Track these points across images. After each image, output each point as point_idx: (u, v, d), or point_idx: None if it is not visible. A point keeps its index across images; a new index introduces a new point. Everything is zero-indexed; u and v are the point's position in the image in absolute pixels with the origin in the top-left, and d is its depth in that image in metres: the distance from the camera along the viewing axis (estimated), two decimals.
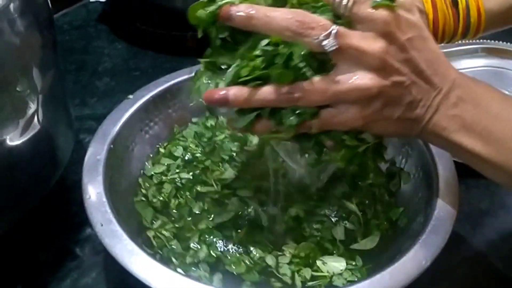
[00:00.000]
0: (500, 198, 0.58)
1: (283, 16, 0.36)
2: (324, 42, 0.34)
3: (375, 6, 0.35)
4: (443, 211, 0.43)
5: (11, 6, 0.40)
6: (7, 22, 0.40)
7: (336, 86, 0.36)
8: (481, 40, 0.73)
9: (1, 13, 0.39)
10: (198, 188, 0.52)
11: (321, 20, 0.35)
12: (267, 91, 0.37)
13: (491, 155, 0.39)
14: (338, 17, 0.36)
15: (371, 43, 0.36)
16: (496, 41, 0.74)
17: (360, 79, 0.36)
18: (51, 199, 0.53)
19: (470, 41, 0.73)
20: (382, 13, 0.36)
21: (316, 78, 0.36)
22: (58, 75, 0.50)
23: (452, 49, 0.72)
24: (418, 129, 0.39)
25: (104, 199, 0.44)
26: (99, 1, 0.83)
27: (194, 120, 0.59)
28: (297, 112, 0.37)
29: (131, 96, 0.55)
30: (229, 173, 0.53)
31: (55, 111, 0.50)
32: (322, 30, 0.35)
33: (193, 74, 0.50)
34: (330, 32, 0.34)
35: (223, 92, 0.38)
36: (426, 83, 0.38)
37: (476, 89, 0.40)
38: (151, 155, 0.55)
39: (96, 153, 0.48)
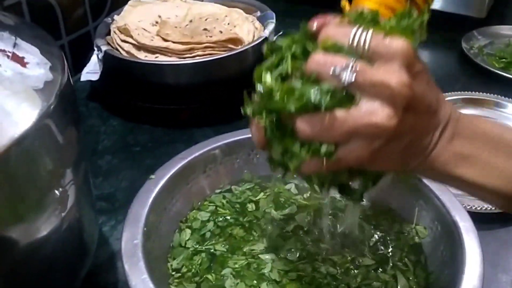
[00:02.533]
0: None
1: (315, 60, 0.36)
2: (343, 74, 0.34)
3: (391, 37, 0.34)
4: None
5: (52, 106, 0.42)
6: (52, 122, 0.41)
7: (370, 117, 0.34)
8: (460, 92, 0.80)
9: (45, 114, 0.40)
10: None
11: (337, 57, 0.35)
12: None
13: (495, 185, 0.39)
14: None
15: (392, 76, 0.34)
16: (475, 92, 0.82)
17: (380, 113, 0.34)
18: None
19: (450, 92, 0.80)
20: (400, 42, 0.34)
21: (342, 110, 0.34)
22: (85, 163, 0.51)
23: None
24: (415, 163, 0.38)
25: (151, 285, 0.44)
26: (89, 80, 0.84)
27: (217, 191, 0.62)
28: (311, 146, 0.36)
29: (153, 176, 0.56)
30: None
31: (85, 198, 0.51)
32: (340, 63, 0.34)
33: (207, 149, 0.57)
34: (348, 66, 0.34)
35: None
36: (433, 117, 0.38)
37: (469, 120, 0.40)
38: (176, 232, 0.56)
39: (132, 237, 0.49)
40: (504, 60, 1.00)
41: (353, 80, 0.34)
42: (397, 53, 0.34)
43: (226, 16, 0.92)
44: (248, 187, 0.62)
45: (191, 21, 0.93)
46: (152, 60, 0.78)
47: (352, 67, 0.34)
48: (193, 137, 0.80)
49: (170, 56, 0.80)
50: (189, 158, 0.60)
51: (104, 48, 0.81)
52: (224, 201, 0.60)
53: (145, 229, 0.50)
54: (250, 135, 0.62)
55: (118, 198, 0.69)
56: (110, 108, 0.86)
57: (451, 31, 1.12)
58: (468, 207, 0.62)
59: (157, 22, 0.90)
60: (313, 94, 0.35)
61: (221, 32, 0.84)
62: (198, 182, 0.61)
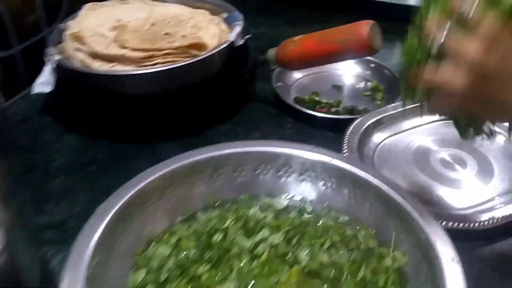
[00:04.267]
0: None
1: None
2: (436, 39, 0.43)
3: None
4: None
5: None
6: None
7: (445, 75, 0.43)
8: None
9: None
10: None
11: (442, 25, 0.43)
12: None
13: None
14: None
15: (470, 48, 0.41)
16: None
17: (453, 74, 0.43)
18: None
19: None
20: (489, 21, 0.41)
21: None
22: (20, 198, 0.44)
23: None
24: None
25: None
26: (42, 92, 0.77)
27: (179, 218, 0.56)
28: None
29: (102, 206, 0.50)
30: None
31: (21, 236, 0.45)
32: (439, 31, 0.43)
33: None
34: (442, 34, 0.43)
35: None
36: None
37: None
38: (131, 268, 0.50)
39: (71, 286, 0.43)
40: None
41: (440, 42, 0.43)
42: (485, 27, 0.41)
43: (190, 18, 0.86)
44: (214, 214, 0.57)
45: (153, 24, 0.86)
46: (107, 71, 0.72)
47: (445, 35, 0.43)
48: (156, 152, 0.74)
49: (128, 65, 0.73)
50: (145, 182, 0.54)
51: (56, 57, 0.74)
52: (188, 232, 0.54)
53: (88, 273, 0.44)
54: (213, 153, 0.57)
55: (70, 226, 0.62)
56: (65, 123, 0.79)
57: None
58: (450, 225, 0.57)
59: (115, 27, 0.84)
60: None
61: (184, 36, 0.78)
62: (157, 209, 0.55)
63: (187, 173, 0.57)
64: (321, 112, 0.81)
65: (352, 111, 0.81)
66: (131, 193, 0.52)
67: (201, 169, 0.57)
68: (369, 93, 0.88)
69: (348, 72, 0.92)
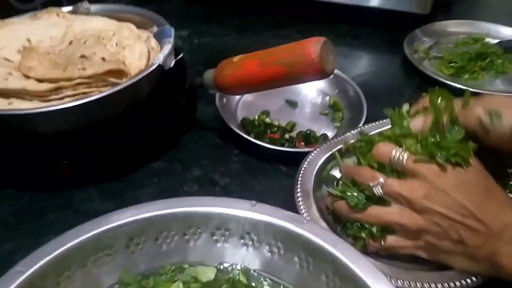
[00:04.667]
0: None
1: (353, 170, 0.52)
2: (375, 189, 0.48)
3: (416, 160, 0.47)
4: None
5: None
6: None
7: (387, 216, 0.48)
8: None
9: None
10: None
11: (374, 173, 0.49)
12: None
13: None
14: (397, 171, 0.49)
15: (413, 190, 0.47)
16: None
17: (403, 216, 0.47)
18: None
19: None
20: (424, 166, 0.46)
21: (375, 207, 0.49)
22: None
23: None
24: (478, 265, 0.46)
25: None
26: None
27: None
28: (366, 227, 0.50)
29: None
30: None
31: None
32: (372, 180, 0.49)
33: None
34: (378, 183, 0.48)
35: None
36: (477, 222, 0.45)
37: None
38: None
39: None
40: (453, 64, 0.85)
41: (381, 194, 0.48)
42: (420, 173, 0.46)
43: (113, 34, 0.72)
44: None
45: (70, 42, 0.73)
46: (3, 110, 0.58)
47: (381, 184, 0.48)
48: (72, 202, 0.62)
49: (30, 100, 0.60)
50: (32, 270, 0.41)
51: None
52: None
53: None
54: (127, 220, 0.46)
55: None
56: None
57: (392, 31, 0.97)
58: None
59: (24, 48, 0.70)
60: (354, 198, 0.50)
61: (103, 59, 0.65)
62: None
63: (93, 249, 0.44)
64: (272, 138, 0.70)
65: (308, 137, 0.70)
66: (14, 286, 0.40)
67: (112, 241, 0.45)
68: (327, 112, 0.77)
69: (304, 85, 0.80)
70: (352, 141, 0.60)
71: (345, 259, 0.42)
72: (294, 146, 0.69)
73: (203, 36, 0.98)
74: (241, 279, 0.46)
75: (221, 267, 0.47)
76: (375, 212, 0.49)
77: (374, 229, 0.49)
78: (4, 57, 0.68)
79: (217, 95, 0.72)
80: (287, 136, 0.72)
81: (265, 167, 0.67)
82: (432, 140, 0.47)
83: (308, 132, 0.71)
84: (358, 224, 0.51)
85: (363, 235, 0.50)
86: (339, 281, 0.43)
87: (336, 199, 0.52)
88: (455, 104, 0.48)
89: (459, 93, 0.77)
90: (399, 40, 0.92)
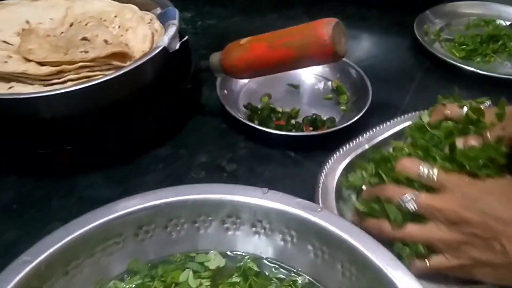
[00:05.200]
0: None
1: (379, 188, 0.49)
2: (407, 204, 0.46)
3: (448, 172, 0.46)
4: None
5: None
6: None
7: (427, 234, 0.45)
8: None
9: None
10: None
11: (403, 189, 0.47)
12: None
13: None
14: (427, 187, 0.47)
15: (448, 202, 0.45)
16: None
17: (442, 231, 0.45)
18: None
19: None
20: (455, 176, 0.45)
21: (412, 225, 0.46)
22: None
23: None
24: None
25: None
26: None
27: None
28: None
29: None
30: None
31: None
32: (403, 195, 0.46)
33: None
34: (412, 198, 0.46)
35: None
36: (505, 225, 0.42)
37: None
38: None
39: None
40: (465, 47, 0.83)
41: (416, 208, 0.46)
42: (453, 185, 0.45)
43: (115, 16, 0.70)
44: (135, 282, 0.43)
45: (71, 25, 0.71)
46: (3, 94, 0.56)
47: (413, 198, 0.46)
48: (76, 189, 0.60)
49: (31, 84, 0.58)
50: (39, 259, 0.40)
51: None
52: None
53: None
54: (136, 207, 0.44)
55: None
56: None
57: (402, 13, 0.95)
58: None
59: (23, 30, 0.68)
60: (393, 211, 0.47)
61: (106, 41, 0.63)
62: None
63: (101, 238, 0.43)
64: (278, 125, 0.68)
65: (314, 122, 0.68)
66: (20, 276, 0.38)
67: (120, 229, 0.44)
68: (331, 96, 0.75)
69: (305, 70, 0.77)
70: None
71: (362, 248, 0.40)
72: (302, 132, 0.68)
73: (207, 18, 0.96)
74: (252, 266, 0.44)
75: (232, 255, 0.46)
76: (414, 229, 0.46)
77: (420, 247, 0.46)
78: (2, 39, 0.66)
79: (218, 85, 0.70)
80: (293, 122, 0.70)
81: (272, 153, 0.65)
82: (461, 150, 0.46)
83: (314, 116, 0.69)
84: (401, 242, 0.47)
85: (407, 252, 0.47)
86: (355, 270, 0.41)
87: (365, 217, 0.49)
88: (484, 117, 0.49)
89: (471, 76, 0.77)
90: (408, 22, 0.89)
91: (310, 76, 0.78)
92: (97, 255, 0.43)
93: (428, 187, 0.46)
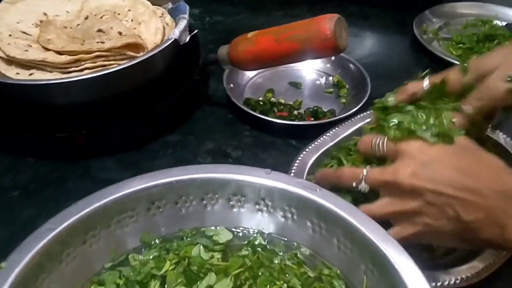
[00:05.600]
0: None
1: (333, 174, 0.50)
2: (360, 186, 0.47)
3: (396, 139, 0.46)
4: None
5: None
6: None
7: (378, 211, 0.46)
8: None
9: None
10: None
11: (355, 170, 0.48)
12: None
13: None
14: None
15: (397, 172, 0.44)
16: None
17: (394, 205, 0.45)
18: None
19: None
20: (405, 143, 0.45)
21: (363, 205, 0.47)
22: None
23: None
24: (481, 242, 0.43)
25: None
26: None
27: (107, 265, 0.46)
28: None
29: (3, 265, 0.40)
30: None
31: None
32: (355, 179, 0.47)
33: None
34: (361, 178, 0.47)
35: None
36: (472, 194, 0.41)
37: None
38: None
39: None
40: (462, 46, 0.86)
41: (367, 189, 0.47)
42: (402, 152, 0.45)
43: (129, 10, 0.74)
44: (151, 255, 0.47)
45: (86, 18, 0.75)
46: (24, 80, 0.60)
47: (363, 178, 0.47)
48: (90, 171, 0.64)
49: (50, 72, 0.62)
50: (61, 228, 0.43)
51: None
52: (119, 281, 0.45)
53: None
54: (149, 184, 0.48)
55: None
56: None
57: (402, 12, 0.98)
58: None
59: (41, 21, 0.72)
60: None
61: (120, 33, 0.67)
62: (78, 258, 0.45)
63: (117, 210, 0.46)
64: (281, 116, 0.72)
65: (316, 113, 0.72)
66: (44, 242, 0.42)
67: (134, 204, 0.47)
68: (331, 90, 0.79)
69: (307, 67, 0.82)
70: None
71: (356, 223, 0.44)
72: (303, 121, 0.71)
73: (214, 14, 1.00)
74: (259, 241, 0.48)
75: (237, 231, 0.50)
76: (368, 208, 0.46)
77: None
78: (21, 30, 0.70)
79: (225, 78, 0.74)
80: (295, 113, 0.73)
81: (276, 141, 0.69)
82: (411, 118, 0.47)
83: (315, 108, 0.73)
84: None
85: None
86: (350, 243, 0.45)
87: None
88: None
89: None
90: (408, 21, 0.93)
91: (312, 72, 0.82)
92: (112, 226, 0.47)
93: (383, 162, 0.47)
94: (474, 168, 0.42)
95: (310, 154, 0.61)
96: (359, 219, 0.44)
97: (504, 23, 0.93)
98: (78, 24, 0.72)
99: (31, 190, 0.61)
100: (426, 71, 0.53)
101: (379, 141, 0.47)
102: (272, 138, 0.69)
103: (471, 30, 0.91)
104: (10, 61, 0.62)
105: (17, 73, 0.61)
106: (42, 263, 0.42)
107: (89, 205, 0.45)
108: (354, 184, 0.47)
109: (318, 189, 0.47)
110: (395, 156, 0.45)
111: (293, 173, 0.58)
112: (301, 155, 0.60)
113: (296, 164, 0.59)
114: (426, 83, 0.51)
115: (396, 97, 0.52)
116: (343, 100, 0.76)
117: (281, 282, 0.44)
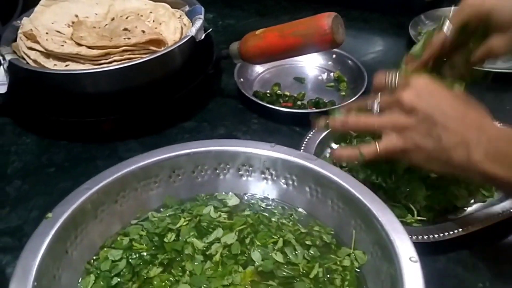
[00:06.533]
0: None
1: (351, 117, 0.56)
2: (374, 107, 0.55)
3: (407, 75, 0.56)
4: None
5: None
6: None
7: (378, 121, 0.53)
8: None
9: None
10: None
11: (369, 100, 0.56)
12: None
13: None
14: None
15: (403, 94, 0.51)
16: None
17: (393, 117, 0.52)
18: None
19: None
20: (414, 77, 0.53)
21: (367, 116, 0.55)
22: None
23: None
24: (450, 159, 0.49)
25: None
26: None
27: (133, 221, 0.54)
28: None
29: (50, 215, 0.48)
30: None
31: None
32: (370, 105, 0.55)
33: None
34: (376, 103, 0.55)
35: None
36: (457, 124, 0.49)
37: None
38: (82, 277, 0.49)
39: None
40: None
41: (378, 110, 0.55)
42: (410, 83, 0.52)
43: (151, 12, 0.83)
44: (168, 213, 0.55)
45: (112, 19, 0.84)
46: (60, 70, 0.69)
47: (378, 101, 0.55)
48: (116, 152, 0.72)
49: (83, 64, 0.71)
50: (96, 188, 0.52)
51: (8, 57, 0.71)
52: (141, 233, 0.53)
53: (35, 283, 0.42)
54: (170, 154, 0.56)
55: (26, 232, 0.60)
56: (23, 124, 0.76)
57: (399, 16, 1.06)
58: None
59: (73, 22, 0.81)
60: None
61: (143, 31, 0.76)
62: (110, 214, 0.53)
63: (143, 176, 0.55)
64: (286, 106, 0.80)
65: (317, 103, 0.80)
66: (82, 199, 0.50)
67: (158, 171, 0.56)
68: (332, 84, 0.87)
69: (310, 64, 0.90)
70: None
71: (347, 186, 0.52)
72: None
73: (226, 19, 1.08)
74: (260, 204, 0.56)
75: (245, 196, 0.58)
76: (373, 119, 0.54)
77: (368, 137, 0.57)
78: (56, 29, 0.79)
79: (235, 73, 0.82)
80: (299, 103, 0.81)
81: (281, 128, 0.77)
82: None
83: (317, 99, 0.81)
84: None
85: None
86: (342, 204, 0.52)
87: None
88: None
89: None
90: (404, 24, 1.01)
91: (314, 68, 0.90)
92: (139, 190, 0.55)
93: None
94: (463, 108, 0.50)
95: (316, 136, 0.69)
96: (350, 183, 0.52)
97: None
98: (106, 25, 0.80)
99: (65, 167, 0.70)
100: (443, 19, 0.61)
101: (392, 77, 0.55)
102: (278, 125, 0.77)
103: None
104: (48, 54, 0.71)
105: (55, 65, 0.70)
106: (80, 216, 0.50)
107: (120, 170, 0.54)
108: (368, 107, 0.55)
109: (315, 159, 0.55)
110: (407, 85, 0.52)
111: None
112: (308, 136, 0.68)
113: (304, 144, 0.67)
114: (446, 28, 0.60)
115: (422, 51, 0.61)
116: (343, 93, 0.84)
117: (278, 236, 0.52)
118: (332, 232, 0.53)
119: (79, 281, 0.48)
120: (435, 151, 0.50)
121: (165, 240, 0.52)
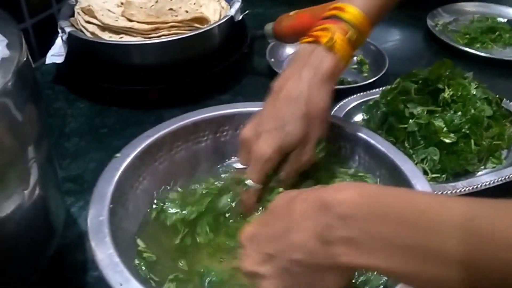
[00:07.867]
0: None
1: None
2: None
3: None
4: None
5: (10, 83, 0.41)
6: (9, 99, 0.41)
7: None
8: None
9: (2, 91, 0.40)
10: None
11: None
12: None
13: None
14: None
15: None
16: None
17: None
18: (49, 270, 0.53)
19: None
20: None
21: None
22: (48, 141, 0.50)
23: None
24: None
25: (117, 259, 0.45)
26: (55, 63, 0.83)
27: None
28: None
29: (118, 155, 0.56)
30: None
31: (49, 177, 0.51)
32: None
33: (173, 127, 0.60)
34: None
35: None
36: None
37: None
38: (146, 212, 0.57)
39: (97, 214, 0.49)
40: (468, 36, 1.02)
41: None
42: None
43: None
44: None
45: (157, 1, 0.92)
46: (117, 41, 0.77)
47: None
48: (162, 118, 0.79)
49: (135, 37, 0.79)
50: (156, 136, 0.60)
51: (68, 29, 0.79)
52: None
53: (111, 206, 0.50)
54: (217, 113, 0.63)
55: (86, 180, 0.68)
56: (76, 91, 0.85)
57: (416, 9, 1.14)
58: None
59: (122, 3, 0.89)
60: None
61: (187, 11, 0.84)
62: (167, 161, 0.61)
63: (193, 130, 0.62)
64: None
65: (342, 82, 0.88)
66: (146, 143, 0.58)
67: (206, 127, 0.63)
68: (355, 66, 0.94)
69: None
70: None
71: (373, 141, 0.59)
72: None
73: (255, 7, 1.16)
74: None
75: None
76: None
77: None
78: (107, 8, 0.87)
79: (267, 53, 0.90)
80: None
81: None
82: None
83: (342, 79, 0.89)
84: None
85: None
86: (368, 158, 0.60)
87: None
88: None
89: (473, 58, 0.95)
90: (422, 17, 1.08)
91: None
92: (189, 143, 0.63)
93: None
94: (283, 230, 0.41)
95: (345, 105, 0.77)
96: (376, 140, 0.60)
97: (505, 20, 1.08)
98: (152, 5, 0.89)
99: (116, 129, 0.78)
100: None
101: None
102: None
103: (476, 25, 1.06)
104: (104, 28, 0.79)
105: (110, 37, 0.78)
106: (143, 159, 0.58)
107: (175, 123, 0.62)
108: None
109: (345, 120, 0.63)
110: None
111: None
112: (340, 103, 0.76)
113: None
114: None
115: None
116: (365, 74, 0.92)
117: None
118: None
119: (147, 211, 0.56)
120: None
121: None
